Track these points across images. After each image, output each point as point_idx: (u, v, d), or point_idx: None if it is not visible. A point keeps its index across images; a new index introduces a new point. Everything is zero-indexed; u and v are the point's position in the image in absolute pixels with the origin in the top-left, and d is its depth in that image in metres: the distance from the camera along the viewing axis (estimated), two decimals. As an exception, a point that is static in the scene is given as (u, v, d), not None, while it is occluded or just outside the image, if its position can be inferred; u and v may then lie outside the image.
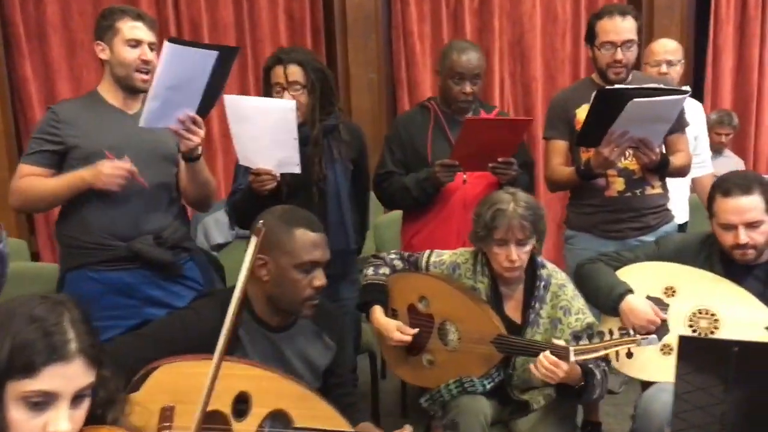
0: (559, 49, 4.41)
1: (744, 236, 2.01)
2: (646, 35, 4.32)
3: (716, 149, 4.25)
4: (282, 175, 2.19)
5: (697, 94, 4.60)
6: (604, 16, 2.45)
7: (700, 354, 1.47)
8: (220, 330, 1.33)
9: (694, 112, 3.23)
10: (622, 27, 2.41)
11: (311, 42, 4.07)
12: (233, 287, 1.39)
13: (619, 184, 2.50)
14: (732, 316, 2.03)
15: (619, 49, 2.41)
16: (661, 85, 2.32)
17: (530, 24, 4.39)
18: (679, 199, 3.17)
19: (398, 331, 2.09)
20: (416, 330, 2.09)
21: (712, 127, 4.22)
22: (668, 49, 3.17)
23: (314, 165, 2.27)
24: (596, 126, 2.27)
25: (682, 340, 1.46)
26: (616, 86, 2.30)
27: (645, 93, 2.19)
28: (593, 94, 2.25)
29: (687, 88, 2.35)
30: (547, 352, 1.84)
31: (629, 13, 2.44)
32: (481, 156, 2.36)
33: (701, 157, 3.29)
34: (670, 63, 3.12)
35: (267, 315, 1.71)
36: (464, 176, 2.48)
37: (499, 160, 2.37)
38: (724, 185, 2.06)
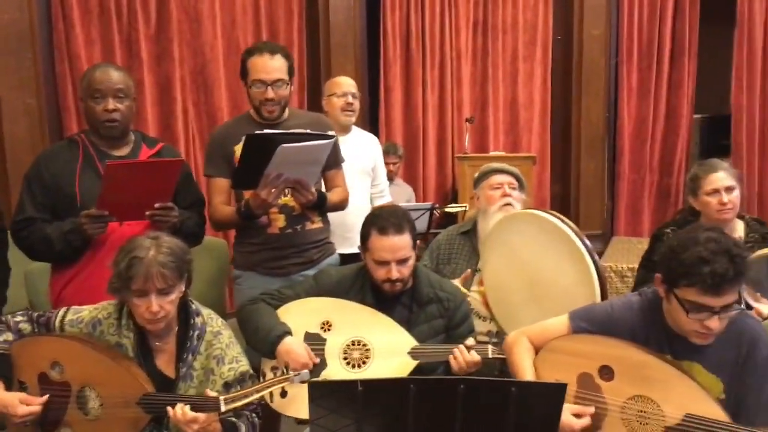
0: (243, 80, 4.41)
1: (396, 272, 2.14)
2: (325, 73, 4.57)
3: (388, 177, 4.63)
4: None
5: (374, 128, 5.01)
6: (255, 53, 2.45)
7: (330, 396, 1.49)
8: None
9: (371, 145, 3.46)
10: (272, 66, 2.42)
11: (-53, 60, 3.46)
12: None
13: (280, 221, 2.51)
14: (380, 344, 2.15)
15: (269, 88, 2.43)
16: (309, 131, 2.38)
17: (212, 54, 4.33)
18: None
19: (23, 403, 1.80)
20: (45, 398, 1.83)
21: (381, 157, 4.60)
22: (350, 82, 3.37)
23: None
24: (250, 169, 2.25)
25: (311, 386, 1.47)
26: (265, 131, 2.31)
27: (293, 138, 2.23)
28: (243, 139, 2.23)
29: (332, 133, 2.46)
30: (186, 408, 1.74)
31: (279, 52, 2.46)
32: (134, 203, 2.17)
33: (380, 186, 3.52)
34: (354, 95, 3.31)
35: None
36: (122, 217, 2.27)
37: (156, 206, 2.21)
38: (380, 223, 2.17)
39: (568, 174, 5.14)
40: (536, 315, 2.11)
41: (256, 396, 1.82)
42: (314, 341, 2.17)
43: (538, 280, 2.37)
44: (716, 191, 2.49)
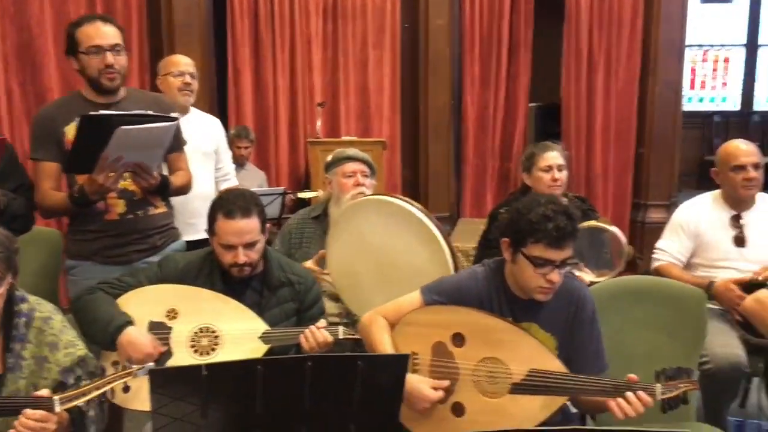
0: (77, 58, 4.10)
1: (243, 256, 2.11)
2: (168, 51, 4.36)
3: (239, 162, 4.54)
4: None
5: (222, 111, 4.87)
6: (84, 23, 2.31)
7: (172, 384, 1.45)
8: None
9: (213, 127, 3.35)
10: (106, 32, 2.30)
11: None
12: None
13: (120, 207, 2.38)
14: (230, 330, 2.11)
15: (108, 53, 2.28)
16: (150, 112, 2.27)
17: (40, 29, 3.98)
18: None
19: None
20: None
21: (232, 141, 4.50)
22: (188, 61, 3.22)
23: None
24: (86, 152, 2.12)
25: (151, 373, 1.42)
26: (101, 113, 2.18)
27: (133, 120, 2.12)
28: (77, 121, 2.09)
29: (176, 115, 2.36)
30: (29, 412, 1.61)
31: (111, 21, 2.35)
32: None
33: (225, 169, 3.43)
34: (192, 75, 3.16)
35: None
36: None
37: None
38: (226, 206, 2.12)
39: (417, 158, 5.31)
40: (389, 297, 2.16)
41: (96, 393, 1.71)
42: (159, 330, 2.09)
43: (389, 263, 2.42)
44: (550, 168, 2.80)
